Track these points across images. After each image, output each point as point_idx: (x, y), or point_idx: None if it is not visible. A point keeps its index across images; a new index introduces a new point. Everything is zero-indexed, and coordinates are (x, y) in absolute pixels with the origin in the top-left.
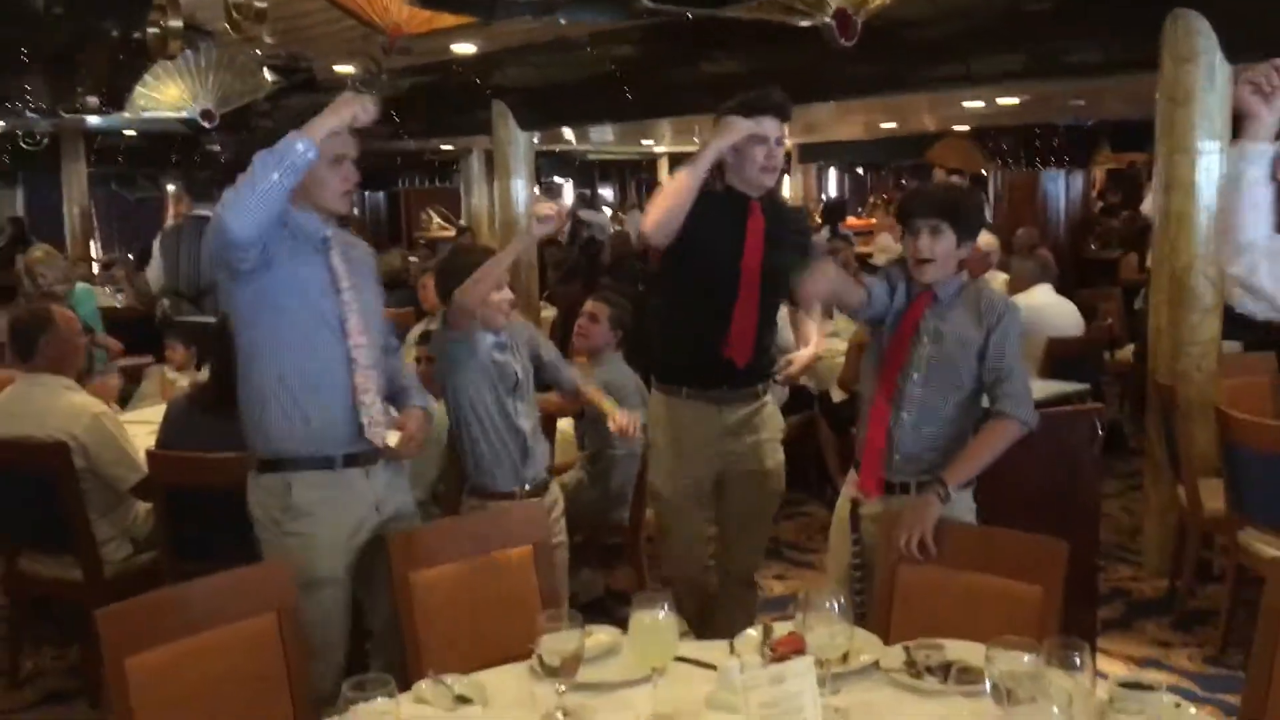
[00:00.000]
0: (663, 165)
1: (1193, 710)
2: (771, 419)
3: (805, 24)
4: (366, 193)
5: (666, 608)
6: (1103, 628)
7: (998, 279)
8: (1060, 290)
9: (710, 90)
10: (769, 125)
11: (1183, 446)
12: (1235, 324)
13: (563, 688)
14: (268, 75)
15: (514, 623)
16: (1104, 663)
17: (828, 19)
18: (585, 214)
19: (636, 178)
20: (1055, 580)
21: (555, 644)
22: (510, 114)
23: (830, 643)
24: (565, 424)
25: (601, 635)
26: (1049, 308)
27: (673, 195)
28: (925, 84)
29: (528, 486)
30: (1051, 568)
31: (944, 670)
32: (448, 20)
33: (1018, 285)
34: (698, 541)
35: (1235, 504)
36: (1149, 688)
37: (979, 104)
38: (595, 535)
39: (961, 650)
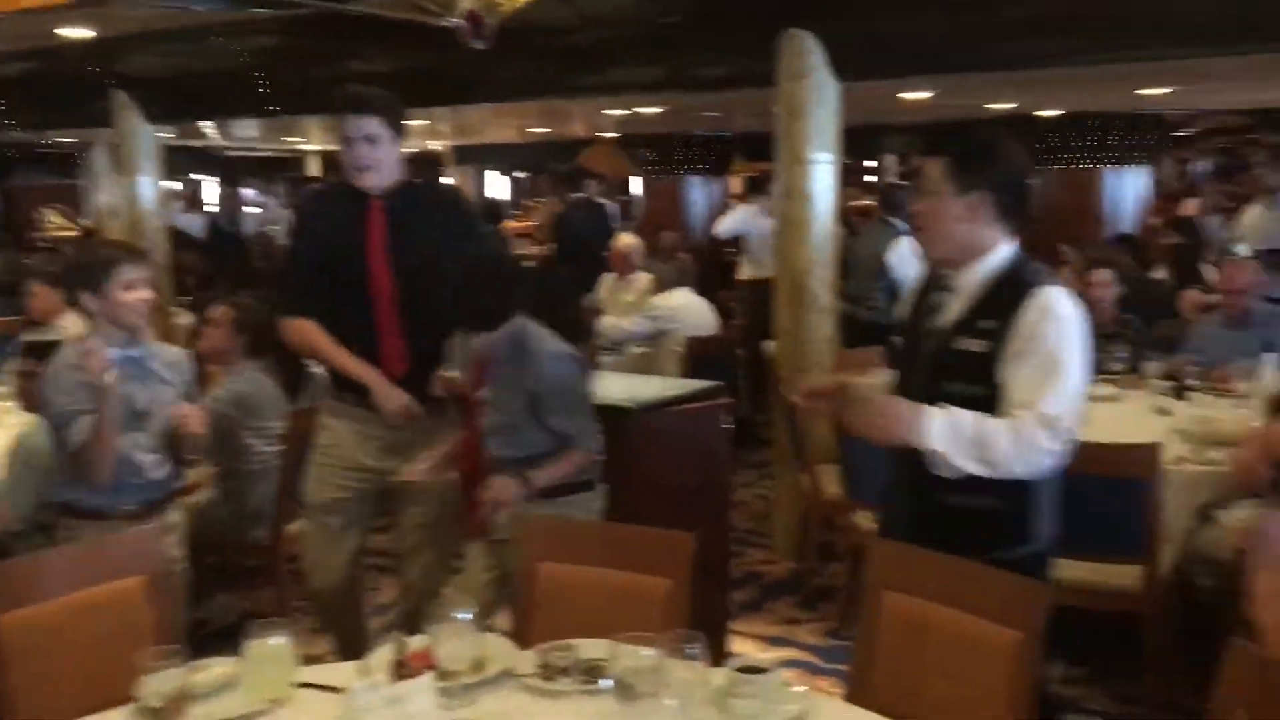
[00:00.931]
0: (312, 163)
1: (800, 688)
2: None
3: (438, 24)
4: None
5: (284, 634)
6: (738, 610)
7: (642, 279)
8: (699, 291)
9: (388, 83)
10: (351, 124)
11: (804, 437)
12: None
13: None
14: None
15: (125, 663)
16: (738, 644)
17: (459, 20)
18: (253, 207)
19: (284, 176)
20: (683, 572)
21: (157, 684)
22: (134, 105)
23: (460, 654)
24: None
25: (218, 668)
26: (688, 308)
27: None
28: (568, 91)
29: (134, 508)
30: (679, 560)
31: (577, 670)
32: None
33: (660, 288)
34: (337, 555)
35: (849, 488)
36: (762, 670)
37: (622, 112)
38: (231, 556)
39: (594, 648)
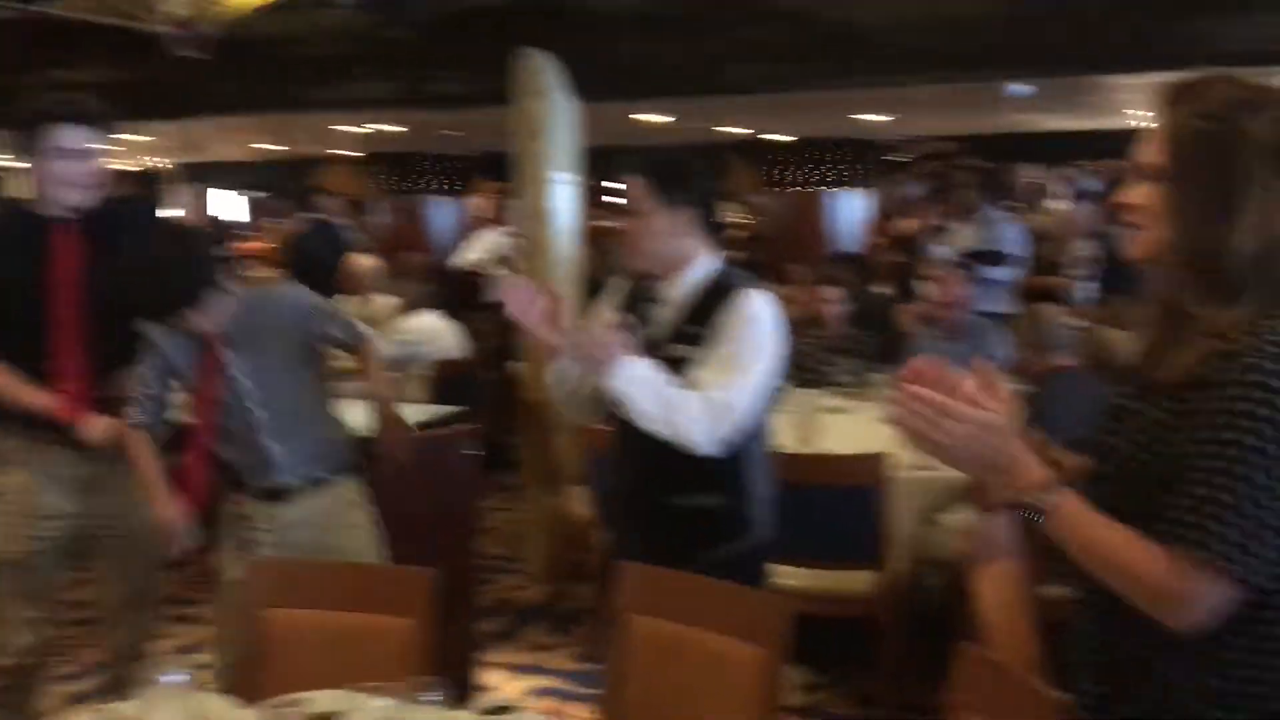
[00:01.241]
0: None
1: None
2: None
3: (145, 31)
4: None
5: None
6: (489, 640)
7: (379, 303)
8: (449, 312)
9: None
10: (66, 135)
11: (553, 458)
12: None
13: None
14: None
15: None
16: (489, 675)
17: (168, 27)
18: None
19: None
20: (423, 610)
21: None
22: None
23: None
24: None
25: None
26: (437, 331)
27: None
28: (297, 105)
29: None
30: (418, 598)
31: None
32: None
33: (407, 309)
34: (27, 617)
35: (597, 509)
36: (509, 709)
37: (359, 129)
38: None
39: (328, 700)
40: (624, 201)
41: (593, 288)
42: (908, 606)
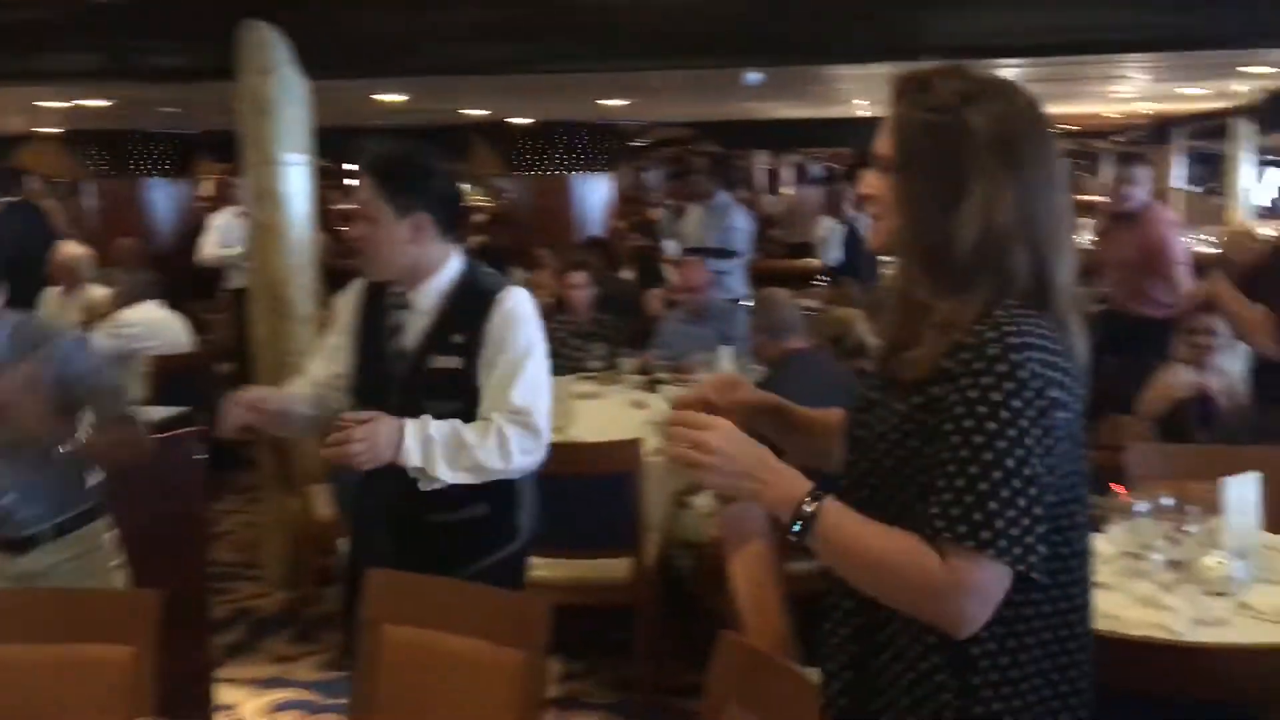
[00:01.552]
0: None
1: None
2: None
3: None
4: None
5: None
6: (228, 653)
7: (93, 293)
8: (172, 302)
9: None
10: None
11: (292, 458)
12: None
13: None
14: None
15: None
16: (227, 692)
17: None
18: None
19: None
20: (148, 636)
21: None
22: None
23: None
24: None
25: None
26: (159, 324)
27: None
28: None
29: None
30: (143, 623)
31: None
32: None
33: (123, 302)
34: None
35: (340, 507)
36: None
37: (61, 104)
38: None
39: None
40: (357, 208)
41: (330, 275)
42: (661, 590)
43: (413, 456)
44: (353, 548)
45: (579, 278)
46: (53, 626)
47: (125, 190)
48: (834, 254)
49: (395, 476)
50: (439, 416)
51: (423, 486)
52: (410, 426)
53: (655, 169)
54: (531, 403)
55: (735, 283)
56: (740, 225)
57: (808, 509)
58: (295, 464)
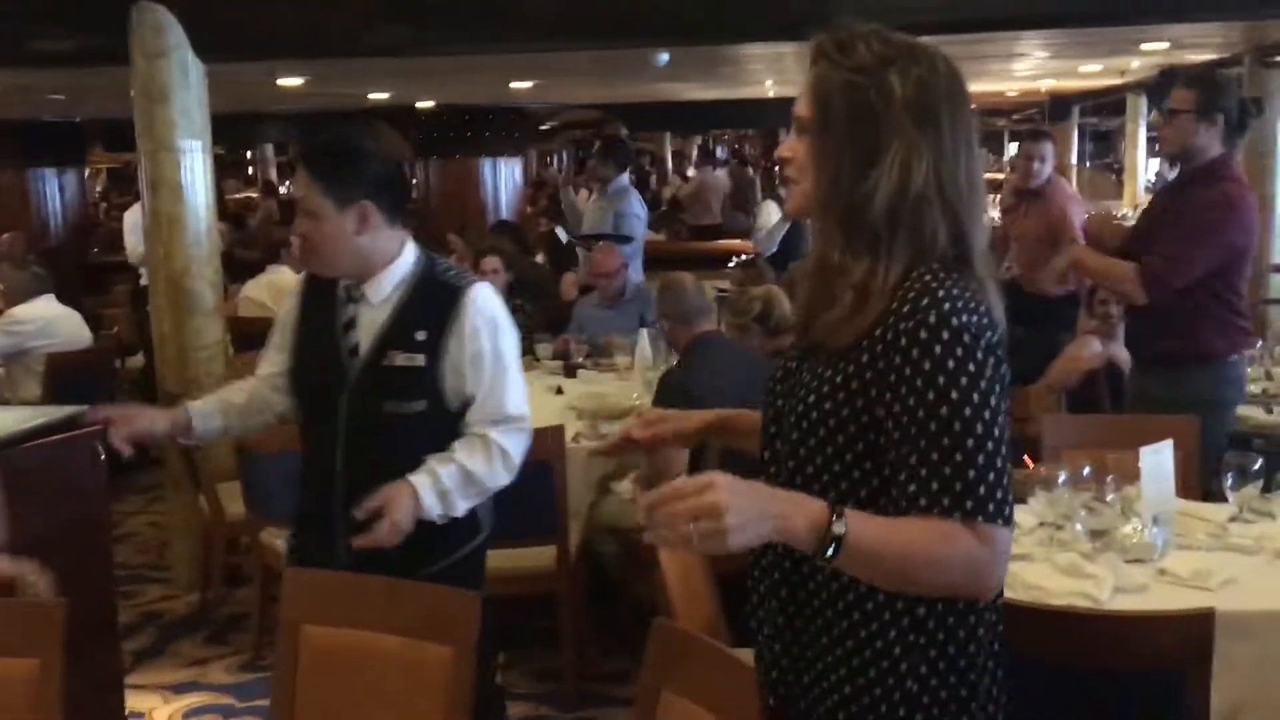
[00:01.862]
0: None
1: None
2: None
3: None
4: None
5: None
6: (135, 660)
7: None
8: (63, 298)
9: None
10: None
11: (200, 455)
12: None
13: None
14: None
15: None
16: (138, 700)
17: None
18: None
19: None
20: (54, 647)
21: None
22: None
23: None
24: None
25: None
26: (54, 321)
27: None
28: None
29: None
30: (48, 634)
31: None
32: None
33: (15, 298)
34: None
35: (253, 505)
36: None
37: None
38: None
39: None
40: (298, 202)
41: (230, 264)
42: (586, 575)
43: (433, 511)
44: (295, 548)
45: (492, 262)
46: None
47: (12, 181)
48: (772, 244)
49: (345, 486)
50: (400, 417)
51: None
52: (423, 486)
53: (564, 152)
54: (516, 407)
55: (632, 269)
56: (636, 211)
57: (838, 530)
58: (203, 462)
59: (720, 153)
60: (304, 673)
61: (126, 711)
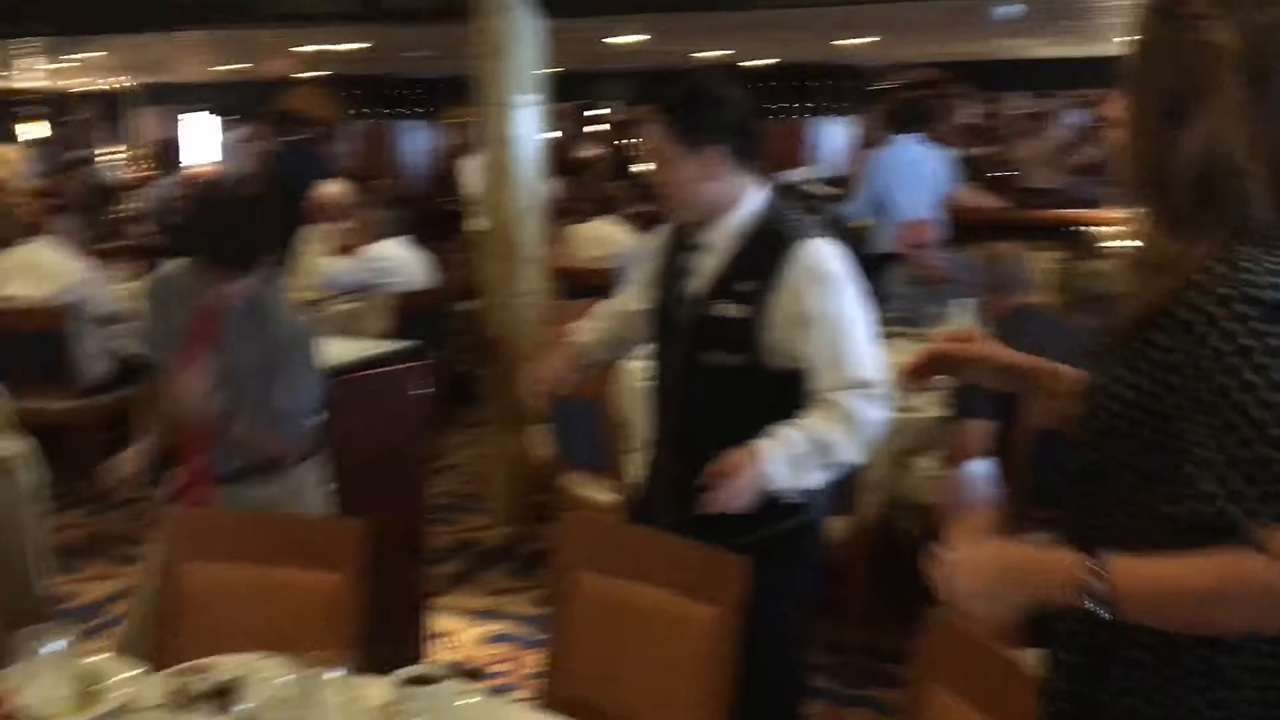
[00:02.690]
0: None
1: (474, 699)
2: None
3: None
4: None
5: None
6: (451, 583)
7: (347, 230)
8: (416, 241)
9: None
10: None
11: (515, 396)
12: None
13: None
14: None
15: None
16: (448, 621)
17: None
18: None
19: None
20: (352, 564)
21: None
22: None
23: (54, 693)
24: None
25: None
26: (403, 261)
27: None
28: (252, 19)
29: None
30: (350, 551)
31: (216, 697)
32: None
33: (373, 238)
34: None
35: (561, 449)
36: (433, 680)
37: (316, 48)
38: None
39: (236, 667)
40: (649, 149)
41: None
42: (879, 550)
43: (781, 480)
44: (630, 503)
45: None
46: (264, 550)
47: (379, 133)
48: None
49: (671, 435)
50: (717, 369)
51: (781, 499)
52: (770, 452)
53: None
54: (871, 371)
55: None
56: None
57: (1098, 585)
58: (519, 404)
59: (1068, 116)
60: (579, 619)
61: (433, 630)
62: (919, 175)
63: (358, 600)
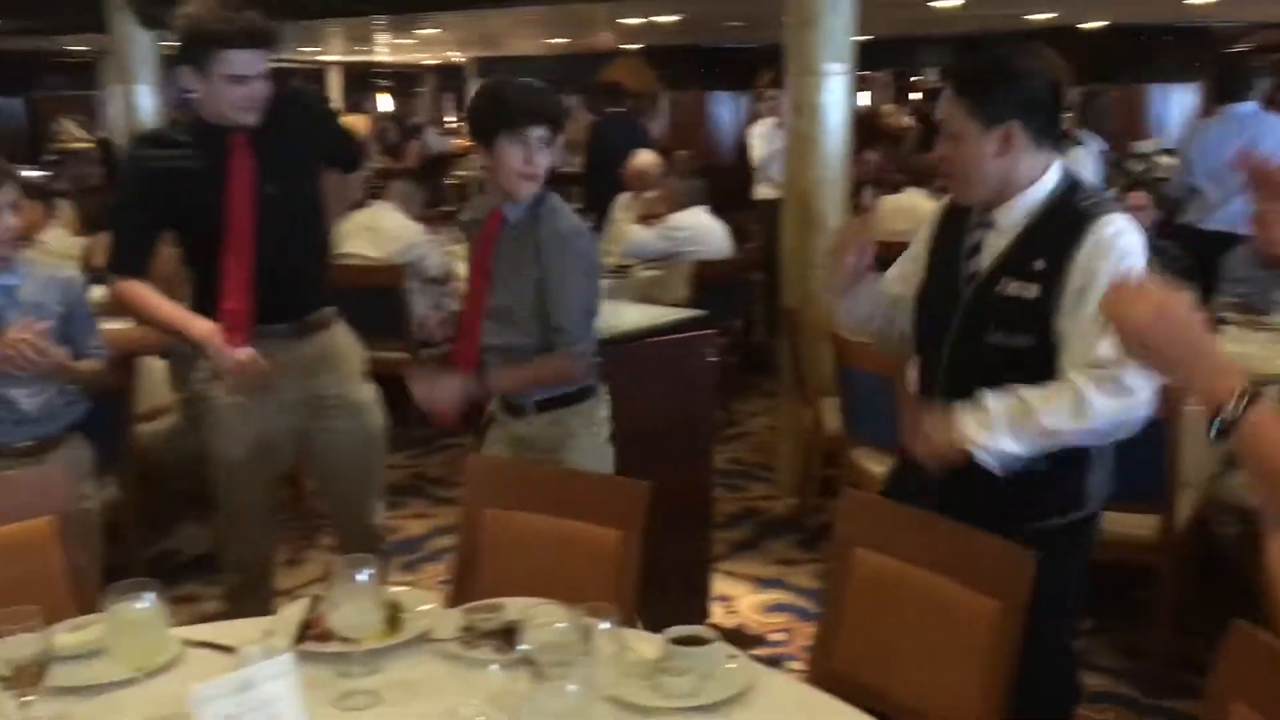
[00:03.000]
0: (333, 76)
1: (735, 664)
2: (349, 348)
3: None
4: None
5: (149, 599)
6: (735, 549)
7: (655, 197)
8: (722, 212)
9: None
10: (245, 61)
11: (807, 367)
12: None
13: (29, 698)
14: None
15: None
16: (730, 586)
17: None
18: None
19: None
20: (634, 523)
21: (10, 650)
22: (128, 9)
23: (361, 620)
24: (157, 361)
25: (92, 629)
26: (704, 230)
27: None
28: None
29: (26, 444)
30: (631, 511)
31: (501, 636)
32: None
33: (675, 206)
34: (264, 514)
35: (849, 424)
36: (703, 641)
37: (639, 20)
38: (198, 485)
39: (520, 610)
40: (943, 123)
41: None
42: (1195, 552)
43: (975, 437)
44: (891, 474)
45: (1139, 198)
46: (557, 503)
47: (693, 102)
48: None
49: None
50: (1002, 349)
51: (983, 460)
52: (967, 411)
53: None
54: (1111, 352)
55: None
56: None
57: (1228, 414)
58: (811, 375)
59: None
60: (851, 598)
61: (715, 594)
62: (1255, 147)
63: (639, 558)
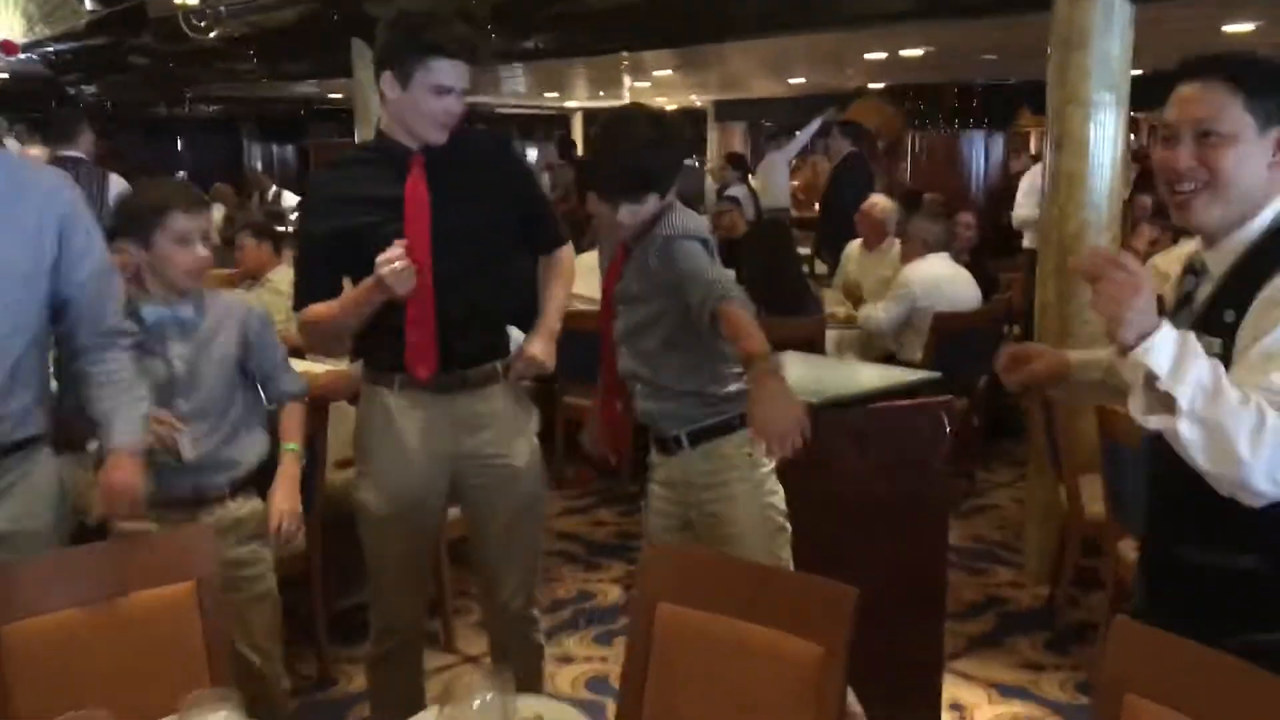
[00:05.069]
0: (576, 121)
1: None
2: (517, 405)
3: None
4: (274, 145)
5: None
6: (971, 644)
7: (895, 249)
8: (974, 259)
9: (612, 20)
10: (452, 73)
11: (1063, 439)
12: None
13: None
14: (87, 3)
15: (160, 685)
16: (964, 691)
17: None
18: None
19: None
20: (838, 638)
21: None
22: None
23: None
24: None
25: None
26: (941, 279)
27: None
28: (817, 23)
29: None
30: (834, 622)
31: None
32: None
33: (919, 250)
34: (413, 576)
35: (1115, 508)
36: None
37: (883, 55)
38: None
39: None
40: (1205, 124)
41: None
42: None
43: (1160, 357)
44: (1142, 559)
45: None
46: (742, 602)
47: (944, 143)
48: None
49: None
50: None
51: (1140, 417)
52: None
53: None
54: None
55: None
56: None
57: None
58: (1066, 447)
59: None
60: None
61: (947, 699)
62: None
63: (839, 677)
